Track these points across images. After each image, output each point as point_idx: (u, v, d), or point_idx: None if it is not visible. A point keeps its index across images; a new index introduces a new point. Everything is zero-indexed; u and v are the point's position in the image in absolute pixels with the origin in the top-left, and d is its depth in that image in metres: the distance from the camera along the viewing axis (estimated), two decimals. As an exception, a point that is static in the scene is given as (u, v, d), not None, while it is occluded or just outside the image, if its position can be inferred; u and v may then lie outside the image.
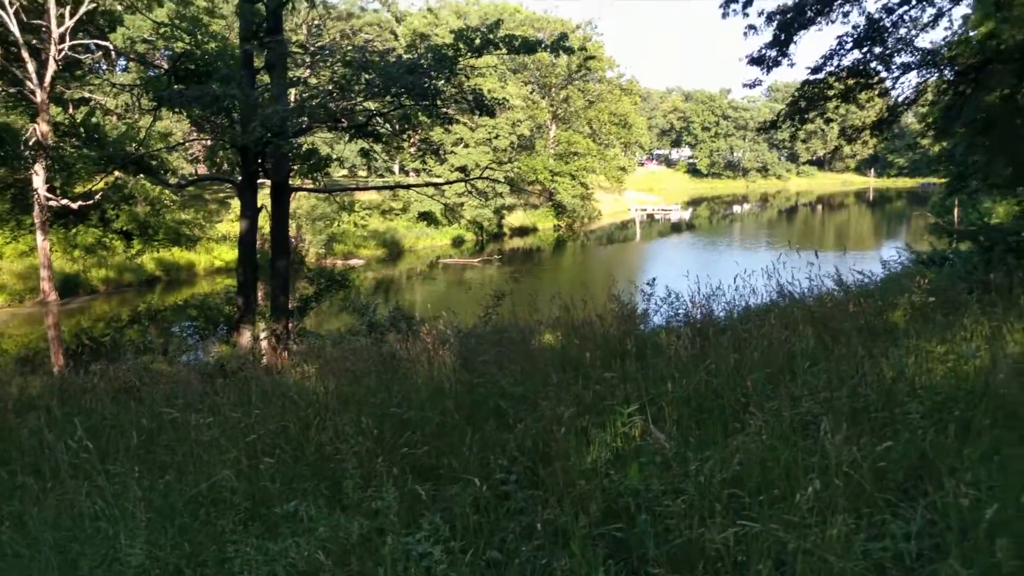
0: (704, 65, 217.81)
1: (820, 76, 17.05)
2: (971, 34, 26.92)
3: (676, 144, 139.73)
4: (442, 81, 13.82)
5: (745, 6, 16.22)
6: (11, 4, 30.50)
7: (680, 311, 8.55)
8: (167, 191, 36.29)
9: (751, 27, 16.42)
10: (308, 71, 20.84)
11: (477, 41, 13.44)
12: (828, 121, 20.50)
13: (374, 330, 10.56)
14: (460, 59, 13.60)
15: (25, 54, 31.12)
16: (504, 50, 13.83)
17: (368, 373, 6.85)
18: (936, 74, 18.23)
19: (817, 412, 4.41)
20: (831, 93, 17.45)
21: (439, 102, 14.45)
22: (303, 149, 15.84)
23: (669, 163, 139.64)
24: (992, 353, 5.18)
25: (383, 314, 12.40)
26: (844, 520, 3.14)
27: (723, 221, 74.81)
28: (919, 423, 4.16)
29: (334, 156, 27.01)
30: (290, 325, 12.75)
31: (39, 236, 31.02)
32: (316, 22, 60.63)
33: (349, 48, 16.53)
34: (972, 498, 3.12)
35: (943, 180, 28.40)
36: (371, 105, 14.85)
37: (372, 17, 66.73)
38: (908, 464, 3.78)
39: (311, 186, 18.79)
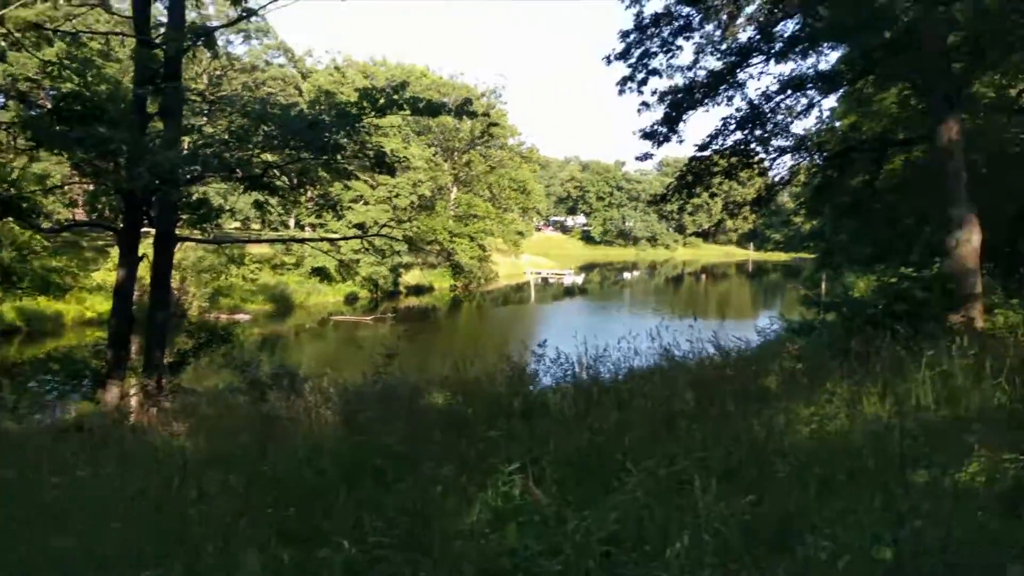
0: (601, 137, 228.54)
1: (706, 153, 18.18)
2: (836, 124, 29.66)
3: (572, 211, 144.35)
4: (343, 137, 13.75)
5: (640, 85, 17.21)
6: None
7: (568, 372, 8.68)
8: (38, 236, 33.87)
9: (644, 104, 17.39)
10: (205, 119, 20.30)
11: (381, 101, 13.50)
12: (713, 196, 21.79)
13: (255, 387, 10.08)
14: (363, 117, 13.60)
15: None
16: (408, 111, 13.96)
17: (243, 431, 6.51)
18: (808, 158, 19.86)
19: (692, 470, 4.51)
20: (716, 170, 18.60)
21: (339, 158, 14.33)
22: (193, 198, 15.29)
23: (564, 229, 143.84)
24: (850, 415, 5.51)
25: (266, 371, 11.90)
26: (712, 575, 3.20)
27: (613, 287, 77.25)
28: (785, 481, 4.34)
29: (226, 207, 26.14)
30: (164, 381, 11.99)
31: None
32: (218, 72, 59.47)
33: (249, 99, 16.24)
34: (829, 551, 3.24)
35: (813, 255, 30.71)
36: (269, 157, 14.56)
37: (277, 71, 66.20)
38: (774, 520, 3.91)
39: (199, 237, 18.05)
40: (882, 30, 12.79)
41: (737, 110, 17.38)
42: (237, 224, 56.35)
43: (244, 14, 15.68)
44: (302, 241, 35.63)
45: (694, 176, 18.73)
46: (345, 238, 36.07)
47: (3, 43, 41.37)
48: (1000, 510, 3.73)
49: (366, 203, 53.91)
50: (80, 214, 45.10)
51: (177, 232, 14.97)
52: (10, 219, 23.06)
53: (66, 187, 37.79)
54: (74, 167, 17.68)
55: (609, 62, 17.10)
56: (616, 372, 8.48)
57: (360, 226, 49.55)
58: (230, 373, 12.83)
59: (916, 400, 5.78)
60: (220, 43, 50.50)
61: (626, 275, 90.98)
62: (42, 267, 37.09)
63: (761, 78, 17.16)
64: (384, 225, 42.98)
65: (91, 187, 22.93)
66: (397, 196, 55.60)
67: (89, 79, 15.32)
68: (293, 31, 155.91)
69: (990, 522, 3.52)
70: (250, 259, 47.05)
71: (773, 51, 16.30)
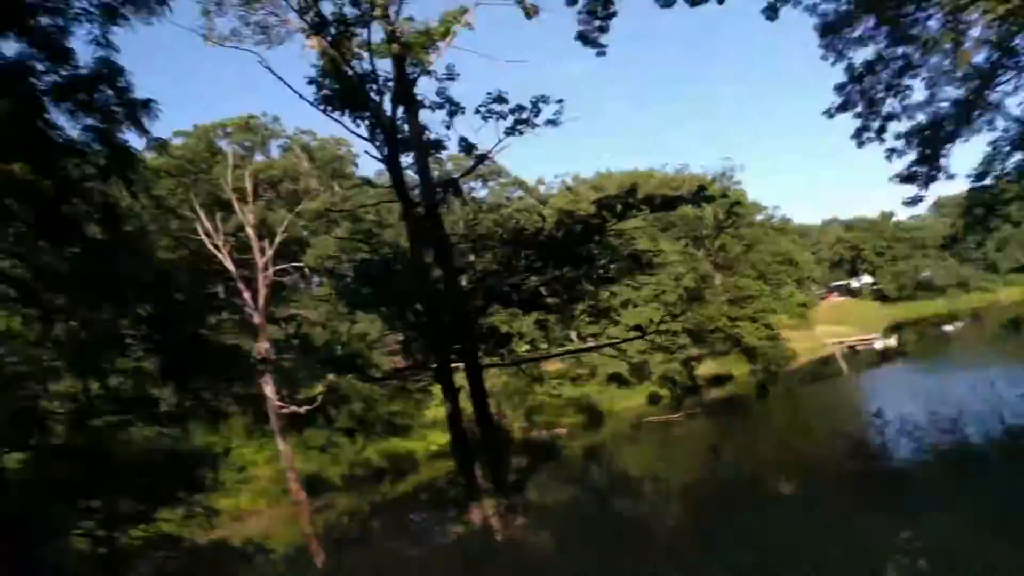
0: (849, 192, 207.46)
1: (987, 183, 16.64)
2: None
3: (852, 273, 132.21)
4: (595, 247, 14.46)
5: (879, 133, 16.43)
6: (225, 246, 36.86)
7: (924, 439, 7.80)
8: (376, 387, 39.35)
9: (892, 150, 16.61)
10: (472, 256, 22.41)
11: (619, 207, 14.13)
12: (1017, 224, 19.42)
13: (595, 495, 10.41)
14: (607, 225, 14.25)
15: (240, 285, 36.79)
16: (647, 210, 14.45)
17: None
18: None
19: None
20: (1008, 196, 16.80)
21: (596, 266, 15.01)
22: (485, 328, 16.66)
23: (852, 292, 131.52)
24: None
25: (603, 481, 12.20)
26: None
27: (936, 343, 67.47)
28: None
29: (513, 331, 28.10)
30: (517, 498, 12.88)
31: (279, 442, 34.52)
32: (471, 216, 65.64)
33: (500, 232, 17.76)
34: None
35: None
36: (536, 279, 15.60)
37: (519, 204, 71.18)
38: None
39: (499, 362, 19.61)
40: None
41: (1004, 131, 15.98)
42: (527, 346, 60.12)
43: (476, 160, 17.64)
44: (586, 350, 36.93)
45: (985, 208, 17.10)
46: (625, 340, 36.62)
47: (305, 233, 49.98)
48: None
49: (635, 305, 54.59)
50: (398, 362, 51.43)
51: (479, 361, 16.32)
52: (351, 375, 27.04)
53: (381, 339, 43.80)
54: (384, 321, 20.43)
55: (831, 116, 16.71)
56: (986, 432, 7.44)
57: (637, 327, 50.06)
58: (559, 486, 13.42)
59: None
60: (464, 190, 56.11)
61: (947, 328, 79.31)
62: (386, 412, 42.93)
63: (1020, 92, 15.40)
64: (660, 322, 42.94)
65: (400, 336, 26.26)
66: (663, 292, 55.61)
67: (373, 244, 17.81)
68: (522, 164, 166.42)
69: None
70: (549, 376, 49.75)
71: (1022, 64, 14.95)
